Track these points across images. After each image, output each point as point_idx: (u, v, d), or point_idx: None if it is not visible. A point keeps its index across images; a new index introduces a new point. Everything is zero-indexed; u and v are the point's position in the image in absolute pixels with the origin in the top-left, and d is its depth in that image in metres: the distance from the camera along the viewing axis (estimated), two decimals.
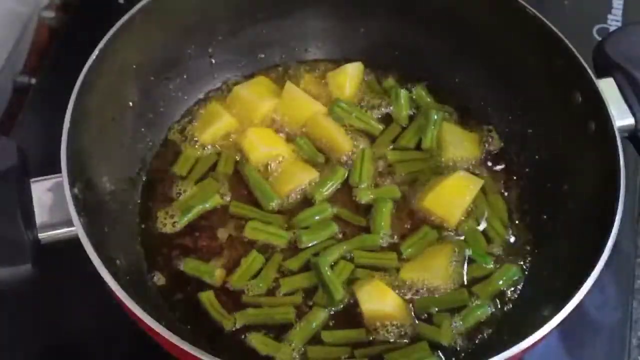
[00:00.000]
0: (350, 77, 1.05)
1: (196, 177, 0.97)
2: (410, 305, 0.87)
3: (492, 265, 0.91)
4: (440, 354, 0.84)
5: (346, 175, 0.97)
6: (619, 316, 0.97)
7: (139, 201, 0.95)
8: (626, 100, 0.88)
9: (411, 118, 1.03)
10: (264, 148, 0.98)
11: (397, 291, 0.87)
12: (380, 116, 1.04)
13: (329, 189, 0.96)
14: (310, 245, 0.91)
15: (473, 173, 0.98)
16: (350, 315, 0.86)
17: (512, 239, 0.94)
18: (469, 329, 0.86)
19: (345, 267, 0.89)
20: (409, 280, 0.89)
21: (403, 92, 1.04)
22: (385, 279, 0.88)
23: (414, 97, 1.05)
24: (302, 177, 0.96)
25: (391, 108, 1.04)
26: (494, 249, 0.93)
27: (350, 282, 0.89)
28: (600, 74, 0.90)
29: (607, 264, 0.74)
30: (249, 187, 0.96)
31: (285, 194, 0.95)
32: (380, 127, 1.02)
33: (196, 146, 1.00)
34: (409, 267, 0.90)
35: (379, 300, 0.86)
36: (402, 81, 1.07)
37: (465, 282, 0.89)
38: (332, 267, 0.89)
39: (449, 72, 1.06)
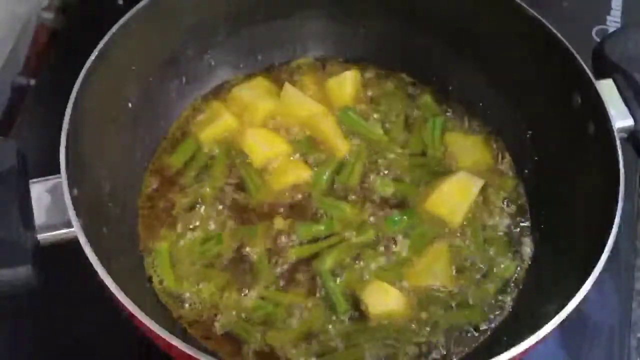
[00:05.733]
0: (349, 83, 1.05)
1: (192, 171, 0.97)
2: (414, 302, 0.88)
3: (492, 266, 0.91)
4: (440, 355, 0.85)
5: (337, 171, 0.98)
6: (618, 317, 0.97)
7: (138, 202, 0.95)
8: (625, 102, 0.88)
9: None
10: (265, 148, 0.99)
11: (400, 289, 0.88)
12: (380, 121, 1.04)
13: (323, 185, 0.96)
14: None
15: (474, 173, 0.98)
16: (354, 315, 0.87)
17: (512, 239, 0.94)
18: (469, 328, 0.86)
19: (347, 274, 0.89)
20: (412, 282, 0.89)
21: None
22: (388, 279, 0.89)
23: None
24: (297, 174, 0.97)
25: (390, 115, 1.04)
26: (494, 248, 0.93)
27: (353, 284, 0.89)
28: (600, 75, 0.90)
29: (606, 265, 0.74)
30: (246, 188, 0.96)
31: (279, 190, 0.95)
32: (385, 136, 1.02)
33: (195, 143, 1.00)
34: (411, 268, 0.90)
35: (384, 300, 0.86)
36: (402, 83, 1.08)
37: (467, 282, 0.90)
38: (333, 274, 0.89)
39: (448, 73, 1.06)
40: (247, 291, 0.88)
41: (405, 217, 0.94)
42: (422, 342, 0.85)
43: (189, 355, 0.67)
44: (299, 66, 1.10)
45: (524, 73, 0.97)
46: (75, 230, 0.73)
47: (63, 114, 0.79)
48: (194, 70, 1.04)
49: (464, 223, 0.94)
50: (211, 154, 0.99)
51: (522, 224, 0.95)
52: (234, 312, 0.86)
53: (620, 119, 0.86)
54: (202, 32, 1.02)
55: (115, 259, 0.80)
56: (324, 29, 1.09)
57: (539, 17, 0.92)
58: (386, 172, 0.98)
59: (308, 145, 1.00)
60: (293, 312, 0.87)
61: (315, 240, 0.92)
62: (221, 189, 0.96)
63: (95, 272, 0.71)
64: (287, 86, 1.04)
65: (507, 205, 0.97)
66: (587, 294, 0.73)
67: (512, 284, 0.90)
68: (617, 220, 0.77)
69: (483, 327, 0.87)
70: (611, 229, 0.76)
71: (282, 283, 0.89)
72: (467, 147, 1.01)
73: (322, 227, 0.93)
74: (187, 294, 0.88)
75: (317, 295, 0.88)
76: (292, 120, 1.02)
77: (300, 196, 0.96)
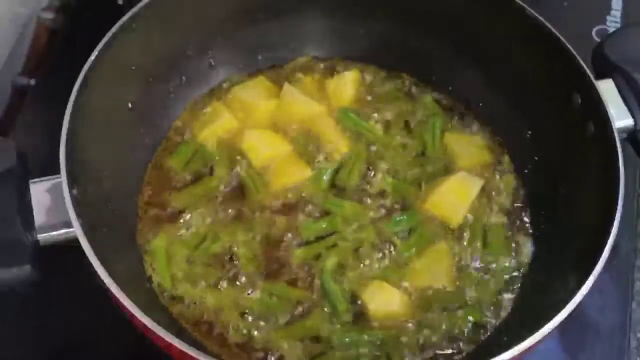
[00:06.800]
0: (349, 84, 1.05)
1: (192, 171, 0.97)
2: (414, 302, 0.88)
3: (492, 266, 0.91)
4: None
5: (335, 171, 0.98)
6: (618, 318, 0.97)
7: (138, 202, 0.95)
8: (625, 102, 0.88)
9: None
10: (265, 148, 0.99)
11: (400, 290, 0.88)
12: (380, 121, 1.04)
13: (323, 185, 0.96)
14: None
15: (473, 173, 0.98)
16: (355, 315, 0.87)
17: (512, 239, 0.94)
18: (470, 328, 0.87)
19: (347, 275, 0.89)
20: (412, 282, 0.89)
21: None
22: (388, 279, 0.89)
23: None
24: (297, 174, 0.97)
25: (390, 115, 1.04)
26: (494, 248, 0.93)
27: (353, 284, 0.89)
28: (600, 75, 0.90)
29: (606, 266, 0.74)
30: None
31: (279, 190, 0.95)
32: (385, 136, 1.02)
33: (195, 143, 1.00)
34: (412, 268, 0.90)
35: (385, 300, 0.87)
36: (402, 83, 1.08)
37: (467, 282, 0.90)
38: (333, 274, 0.89)
39: (448, 73, 1.06)
40: (246, 290, 0.88)
41: (405, 217, 0.94)
42: (422, 342, 0.85)
43: (189, 355, 0.67)
44: (299, 66, 1.09)
45: (524, 73, 0.97)
46: (75, 230, 0.73)
47: (63, 114, 0.79)
48: (193, 70, 1.04)
49: (464, 223, 0.94)
50: (211, 154, 0.99)
51: (522, 224, 0.95)
52: (233, 311, 0.86)
53: (620, 119, 0.87)
54: (202, 32, 1.02)
55: (115, 259, 0.80)
56: (324, 29, 1.09)
57: (539, 17, 0.92)
58: (386, 172, 0.98)
59: (308, 145, 1.00)
60: (293, 312, 0.86)
61: (316, 240, 0.92)
62: (221, 189, 0.96)
63: (95, 272, 0.71)
64: (287, 86, 1.04)
65: (507, 205, 0.97)
66: (587, 294, 0.73)
67: (512, 284, 0.90)
68: (617, 220, 0.77)
69: (483, 327, 0.87)
70: (611, 229, 0.76)
71: (282, 283, 0.89)
72: (467, 147, 1.01)
73: (324, 225, 0.93)
74: (187, 294, 0.88)
75: (317, 295, 0.88)
76: (292, 120, 1.02)
77: (300, 196, 0.96)
